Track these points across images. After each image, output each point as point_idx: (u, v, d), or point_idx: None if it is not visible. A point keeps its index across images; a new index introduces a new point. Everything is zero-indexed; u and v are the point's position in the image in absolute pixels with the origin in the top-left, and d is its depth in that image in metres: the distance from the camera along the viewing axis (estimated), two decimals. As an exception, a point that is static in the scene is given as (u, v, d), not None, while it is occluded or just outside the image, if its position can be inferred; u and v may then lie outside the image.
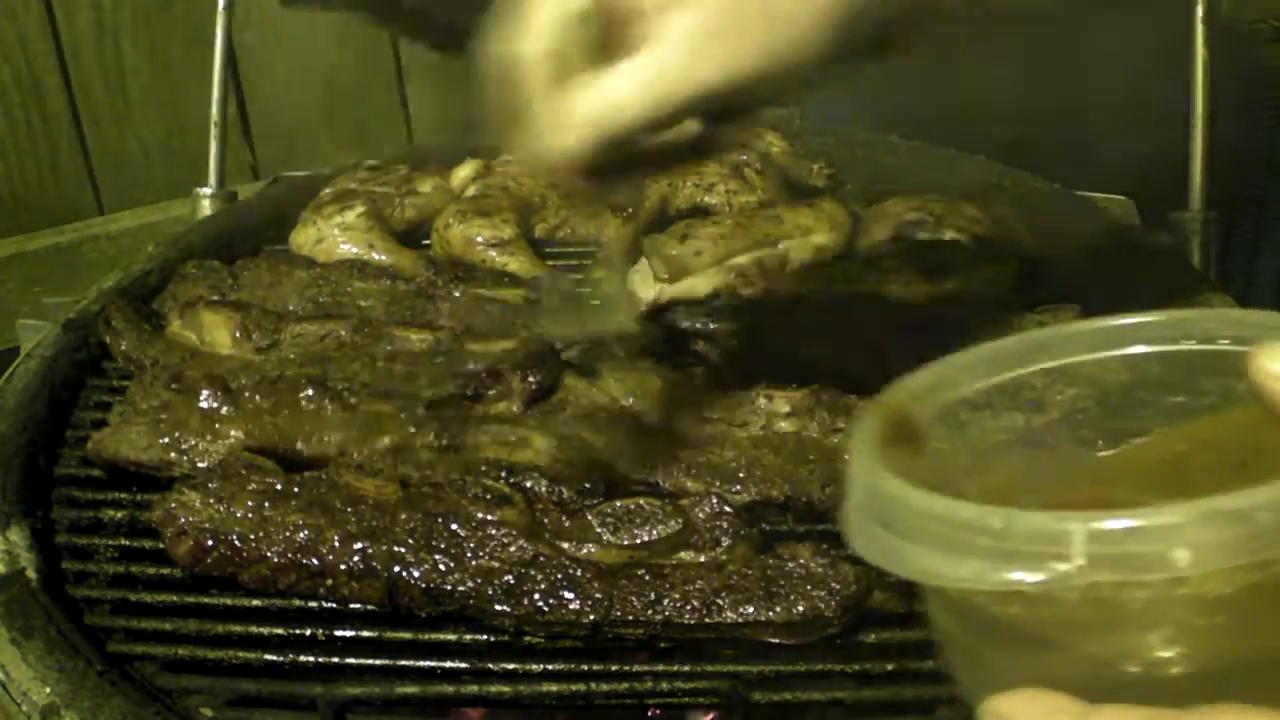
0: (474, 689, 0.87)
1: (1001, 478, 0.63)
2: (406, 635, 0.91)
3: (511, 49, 0.72)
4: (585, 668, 0.87)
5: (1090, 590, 0.52)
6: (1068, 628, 0.54)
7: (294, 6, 1.69)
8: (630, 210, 1.36)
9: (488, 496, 0.92)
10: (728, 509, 0.91)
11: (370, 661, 0.89)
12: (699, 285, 1.25)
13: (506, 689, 0.86)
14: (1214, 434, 0.61)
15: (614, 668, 0.87)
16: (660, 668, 0.87)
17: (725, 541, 0.90)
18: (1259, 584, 0.51)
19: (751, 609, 0.86)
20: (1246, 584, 0.51)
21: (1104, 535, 0.49)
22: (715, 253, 1.26)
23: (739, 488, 0.99)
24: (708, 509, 0.91)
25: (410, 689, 0.87)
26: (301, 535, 0.92)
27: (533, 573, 0.89)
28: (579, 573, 0.89)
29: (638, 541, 0.90)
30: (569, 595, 0.88)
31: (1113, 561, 0.49)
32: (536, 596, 0.88)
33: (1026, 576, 0.50)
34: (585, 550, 0.91)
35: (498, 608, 0.88)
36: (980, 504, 0.53)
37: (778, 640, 0.87)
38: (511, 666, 0.88)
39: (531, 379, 1.06)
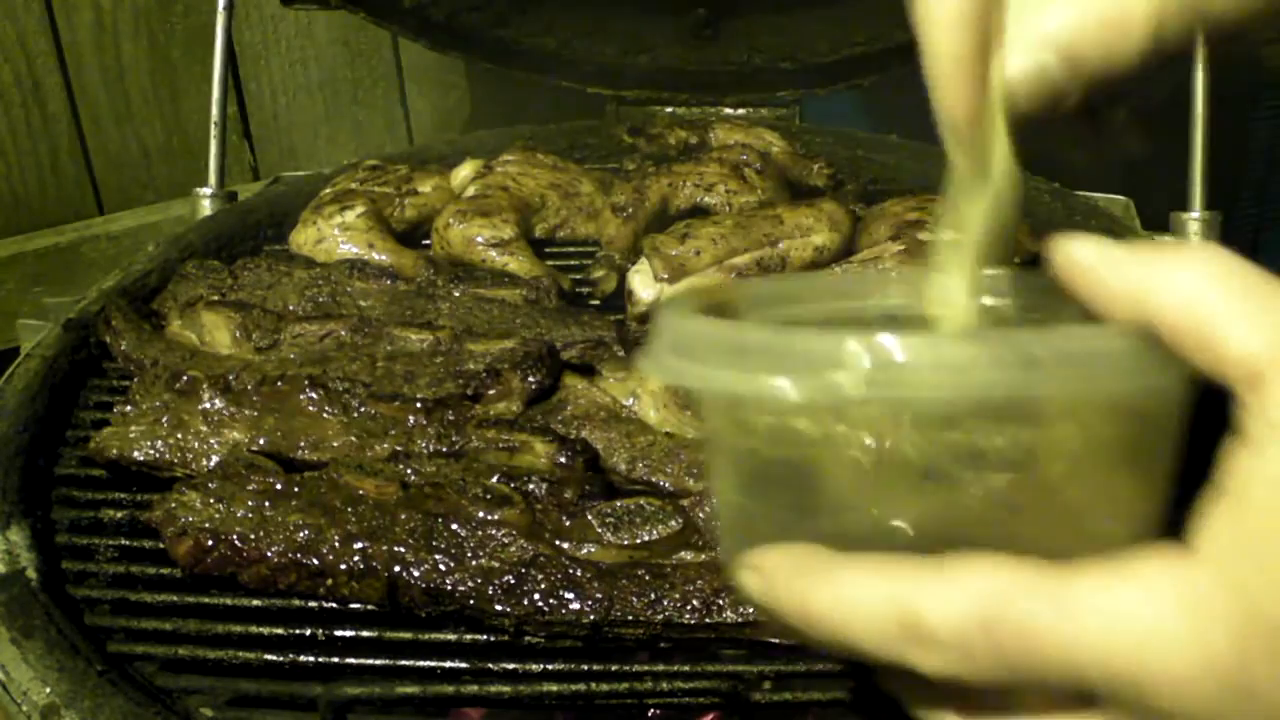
0: (474, 689, 0.87)
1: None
2: (406, 635, 0.91)
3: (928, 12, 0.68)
4: (585, 668, 0.87)
5: (861, 428, 0.52)
6: (838, 477, 0.54)
7: (294, 6, 1.68)
8: (630, 210, 1.36)
9: (488, 496, 0.92)
10: (728, 509, 0.92)
11: (370, 661, 0.89)
12: (699, 285, 1.25)
13: (506, 689, 0.86)
14: None
15: (614, 668, 0.87)
16: (660, 668, 0.87)
17: (725, 541, 0.90)
18: (1035, 447, 0.51)
19: (752, 609, 0.86)
20: (1024, 441, 0.51)
21: (876, 348, 0.49)
22: (715, 253, 1.26)
23: (739, 488, 0.99)
24: (708, 509, 0.91)
25: (410, 689, 0.87)
26: (301, 535, 0.92)
27: (533, 573, 0.89)
28: (579, 573, 0.89)
29: (638, 541, 0.90)
30: (569, 595, 0.88)
31: (883, 380, 0.49)
32: (536, 596, 0.88)
33: (797, 382, 0.50)
34: (585, 550, 0.91)
35: (498, 608, 0.88)
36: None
37: (778, 640, 0.87)
38: (511, 666, 0.88)
39: (531, 379, 1.06)
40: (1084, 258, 0.53)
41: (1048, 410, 0.52)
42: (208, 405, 1.06)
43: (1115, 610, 0.49)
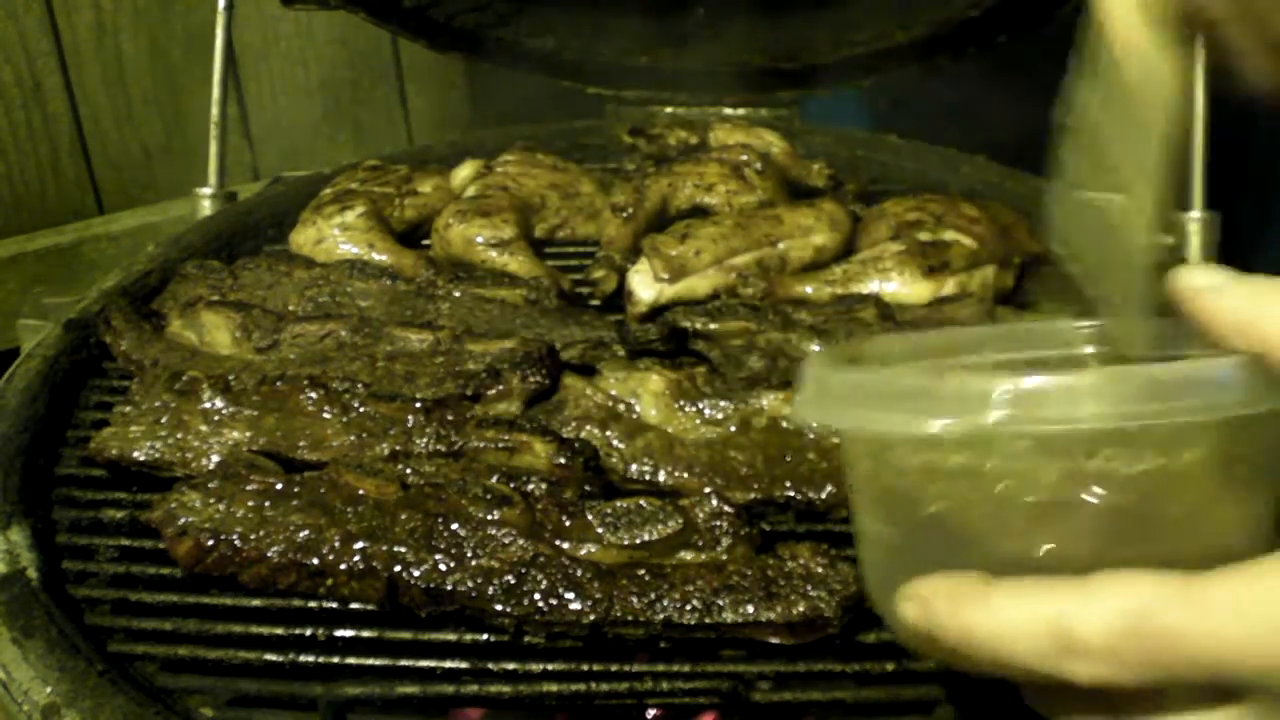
0: (474, 689, 0.87)
1: None
2: (406, 635, 0.91)
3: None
4: (585, 668, 0.87)
5: (1009, 463, 0.56)
6: (985, 510, 0.58)
7: (294, 6, 1.68)
8: (630, 210, 1.36)
9: (488, 496, 0.92)
10: (728, 509, 0.92)
11: (370, 661, 0.89)
12: (699, 285, 1.25)
13: (506, 689, 0.86)
14: None
15: (614, 668, 0.87)
16: (660, 668, 0.87)
17: (725, 541, 0.90)
18: (1165, 470, 0.56)
19: (751, 609, 0.86)
20: (1155, 467, 0.56)
21: (1022, 391, 0.54)
22: (715, 253, 1.26)
23: (739, 487, 0.99)
24: (708, 509, 0.92)
25: (410, 689, 0.87)
26: (301, 535, 0.92)
27: (533, 573, 0.89)
28: (579, 573, 0.89)
29: (638, 541, 0.90)
30: (569, 595, 0.88)
31: (1029, 417, 0.54)
32: (536, 596, 0.88)
33: (948, 423, 0.55)
34: (585, 550, 0.91)
35: (498, 608, 0.89)
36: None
37: (778, 640, 0.87)
38: (511, 666, 0.88)
39: (531, 379, 1.06)
40: (1199, 287, 0.58)
41: (1177, 436, 0.56)
42: (208, 405, 1.06)
43: (1254, 607, 0.54)
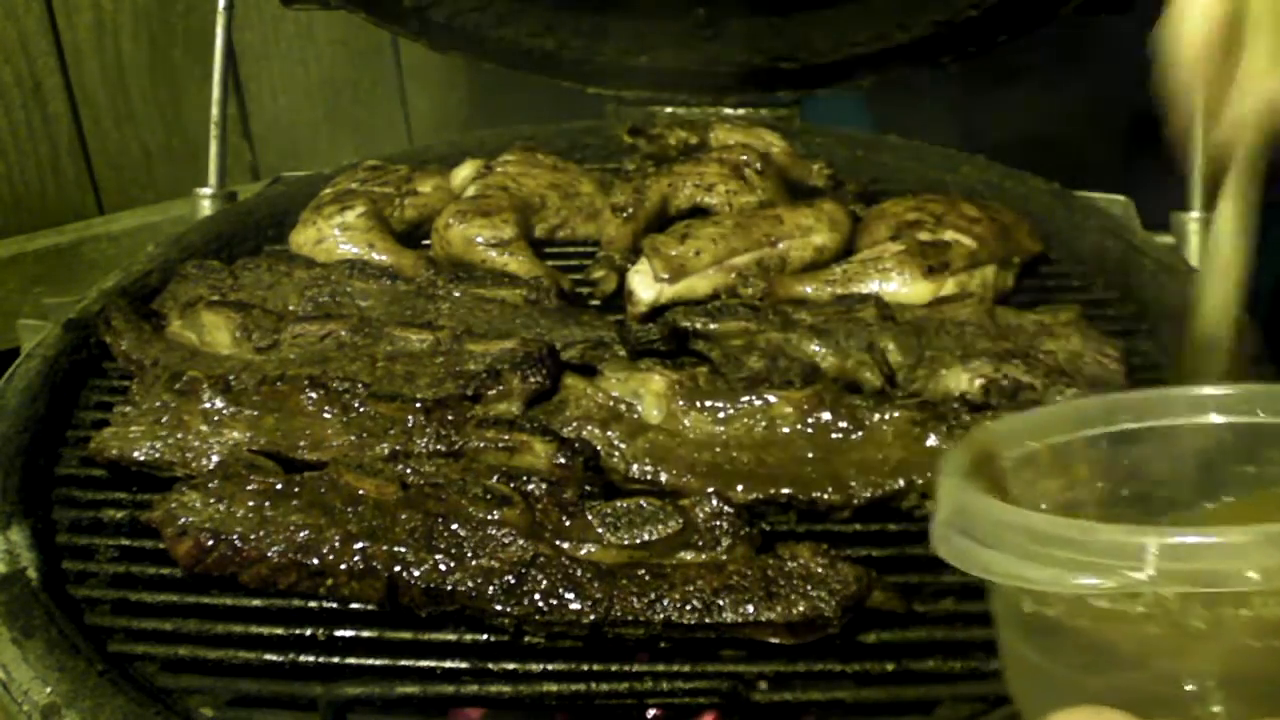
0: (474, 689, 0.87)
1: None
2: (406, 635, 0.91)
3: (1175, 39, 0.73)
4: (585, 668, 0.87)
5: (1157, 607, 0.56)
6: (1132, 644, 0.58)
7: (294, 6, 1.68)
8: (630, 210, 1.36)
9: (488, 496, 0.92)
10: (728, 509, 0.92)
11: (370, 661, 0.89)
12: (699, 285, 1.25)
13: (506, 689, 0.86)
14: None
15: (614, 668, 0.87)
16: (660, 668, 0.87)
17: (725, 541, 0.90)
18: None
19: (751, 609, 0.86)
20: None
21: (1175, 549, 0.54)
22: (715, 253, 1.26)
23: (740, 487, 0.99)
24: (708, 509, 0.92)
25: (410, 689, 0.87)
26: (301, 535, 0.92)
27: (533, 573, 0.89)
28: (579, 573, 0.89)
29: (638, 541, 0.90)
30: (569, 595, 0.88)
31: (1183, 576, 0.53)
32: (536, 596, 0.88)
33: (1100, 583, 0.54)
34: (585, 550, 0.91)
35: (498, 608, 0.88)
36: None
37: (778, 640, 0.87)
38: (511, 666, 0.88)
39: (531, 379, 1.06)
40: None
41: None
42: (208, 405, 1.06)
43: None
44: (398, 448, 1.01)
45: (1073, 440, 0.70)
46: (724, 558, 0.90)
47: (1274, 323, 1.10)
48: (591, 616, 0.87)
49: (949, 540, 0.61)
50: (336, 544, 0.92)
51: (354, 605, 0.93)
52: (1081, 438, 0.70)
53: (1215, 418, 0.70)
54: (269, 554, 0.92)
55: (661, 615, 0.87)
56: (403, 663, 0.89)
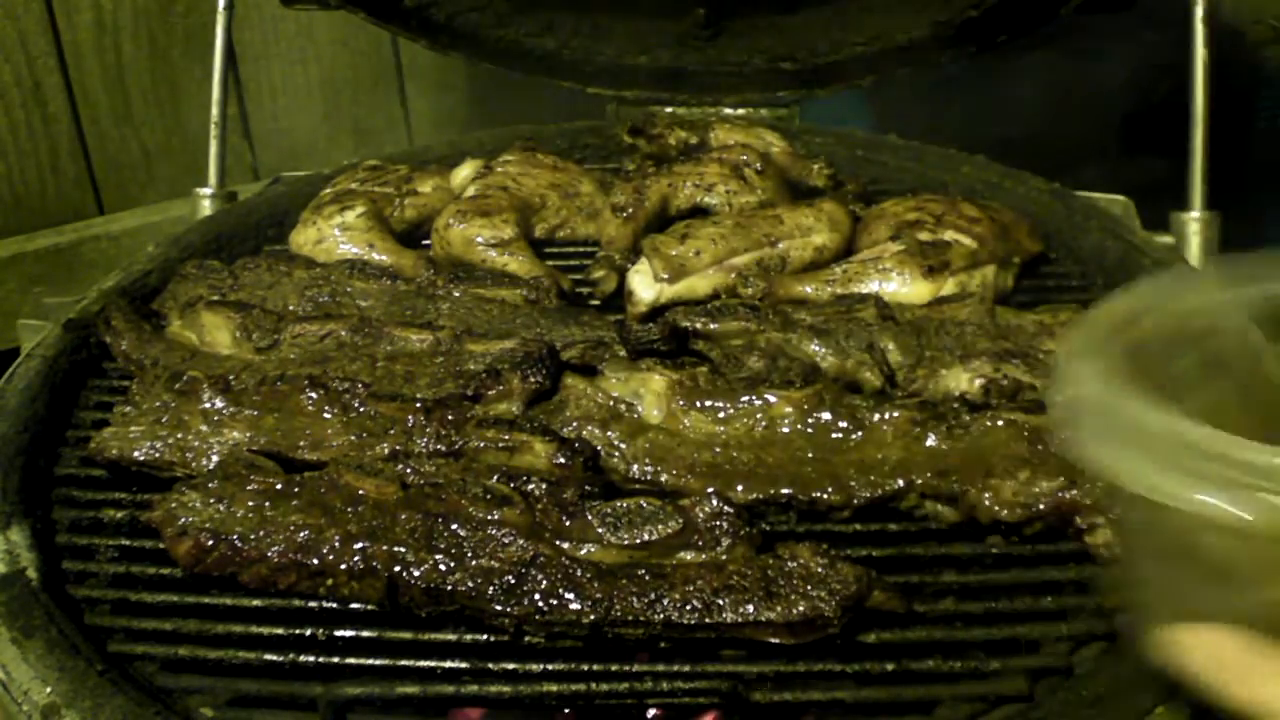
0: (474, 689, 0.87)
1: (1196, 405, 0.64)
2: (406, 635, 0.91)
3: None
4: (585, 668, 0.87)
5: None
6: (1258, 566, 0.57)
7: (294, 6, 1.68)
8: (630, 210, 1.36)
9: (488, 496, 0.92)
10: (728, 509, 0.92)
11: (370, 661, 0.89)
12: (699, 285, 1.25)
13: (506, 689, 0.86)
14: None
15: (614, 668, 0.87)
16: (660, 668, 0.87)
17: (725, 541, 0.90)
18: None
19: (751, 609, 0.86)
20: None
21: None
22: (715, 253, 1.26)
23: (740, 487, 0.99)
24: (708, 509, 0.91)
25: (410, 689, 0.87)
26: (301, 535, 0.92)
27: (533, 573, 0.89)
28: (579, 573, 0.89)
29: (638, 541, 0.90)
30: (569, 595, 0.88)
31: None
32: (536, 596, 0.88)
33: (1240, 511, 0.54)
34: (585, 550, 0.91)
35: (498, 608, 0.88)
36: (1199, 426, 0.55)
37: (778, 640, 0.87)
38: (511, 666, 0.88)
39: (532, 379, 1.06)
40: None
41: None
42: (208, 405, 1.06)
43: None
44: (398, 448, 1.01)
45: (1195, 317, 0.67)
46: (724, 558, 0.90)
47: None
48: (591, 616, 0.87)
49: (1098, 448, 0.58)
50: (336, 544, 0.92)
51: (354, 605, 0.93)
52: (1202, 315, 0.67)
53: None
54: (269, 554, 0.92)
55: (661, 615, 0.87)
56: (403, 663, 0.89)
